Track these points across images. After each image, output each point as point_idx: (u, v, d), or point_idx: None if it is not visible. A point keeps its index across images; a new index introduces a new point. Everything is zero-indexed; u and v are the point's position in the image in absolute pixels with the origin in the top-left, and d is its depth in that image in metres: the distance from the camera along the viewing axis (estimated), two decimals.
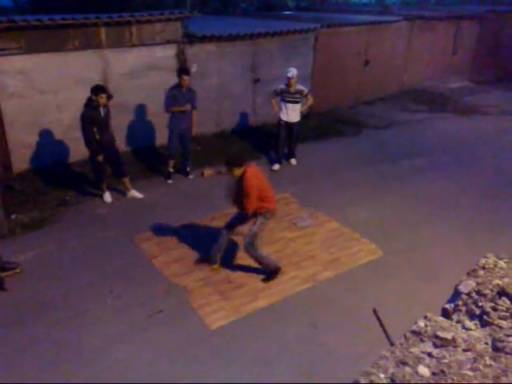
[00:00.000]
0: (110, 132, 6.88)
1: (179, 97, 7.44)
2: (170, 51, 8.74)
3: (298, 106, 8.24)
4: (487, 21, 15.26)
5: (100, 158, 6.74)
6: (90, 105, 6.53)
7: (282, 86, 8.17)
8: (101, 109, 6.58)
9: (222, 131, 9.93)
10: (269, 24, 11.10)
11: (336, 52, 11.56)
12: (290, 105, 8.18)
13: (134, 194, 7.33)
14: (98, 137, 6.62)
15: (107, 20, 7.74)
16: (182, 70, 7.55)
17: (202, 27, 9.50)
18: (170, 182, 7.96)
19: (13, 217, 6.46)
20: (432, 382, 1.08)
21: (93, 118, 6.52)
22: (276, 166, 8.50)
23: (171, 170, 8.02)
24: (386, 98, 13.21)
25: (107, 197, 7.18)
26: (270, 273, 5.46)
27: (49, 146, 7.88)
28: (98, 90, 6.49)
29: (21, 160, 7.68)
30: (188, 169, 8.11)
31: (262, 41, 9.98)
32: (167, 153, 8.05)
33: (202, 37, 8.99)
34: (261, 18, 13.91)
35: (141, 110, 8.71)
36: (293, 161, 8.74)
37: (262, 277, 5.48)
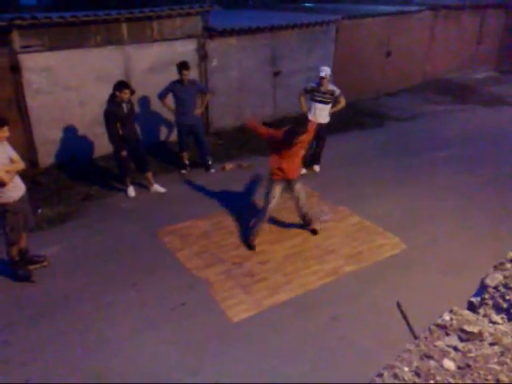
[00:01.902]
0: (133, 127, 6.96)
1: (181, 92, 7.47)
2: (190, 46, 8.77)
3: (327, 107, 7.75)
4: None
5: (124, 153, 6.82)
6: (113, 101, 6.61)
7: (313, 85, 7.73)
8: (124, 105, 6.66)
9: (243, 125, 9.92)
10: (289, 16, 11.02)
11: (357, 43, 11.42)
12: (318, 105, 7.70)
13: (157, 188, 7.40)
14: (121, 132, 6.70)
15: (128, 16, 7.81)
16: (182, 65, 7.40)
17: (222, 21, 9.49)
18: (183, 172, 8.04)
19: (39, 211, 6.60)
20: (458, 375, 1.06)
21: (116, 114, 6.60)
22: (302, 171, 7.80)
23: (186, 162, 8.11)
24: (408, 89, 13.01)
25: (131, 191, 7.27)
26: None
27: (73, 142, 8.01)
28: (121, 86, 6.56)
29: (46, 155, 7.84)
30: (209, 163, 8.15)
31: (283, 33, 9.92)
32: (178, 147, 8.16)
33: (222, 31, 8.99)
34: (281, 10, 13.83)
35: (161, 105, 8.77)
36: (316, 167, 8.17)
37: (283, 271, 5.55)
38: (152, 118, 8.79)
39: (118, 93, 6.54)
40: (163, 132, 9.09)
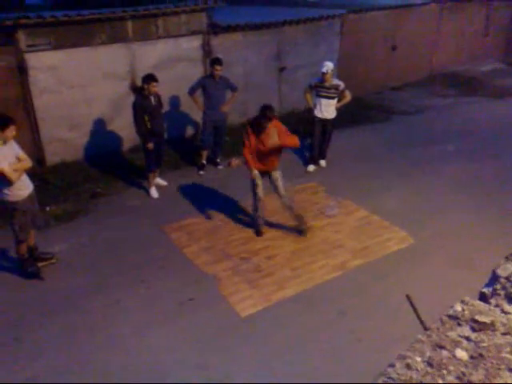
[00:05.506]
0: (160, 121, 6.96)
1: (212, 87, 7.43)
2: (195, 42, 8.75)
3: (332, 102, 7.70)
4: None
5: (150, 145, 6.78)
6: (141, 93, 6.67)
7: (317, 81, 7.69)
8: (152, 97, 6.70)
9: (249, 121, 9.90)
10: (294, 11, 10.98)
11: (363, 38, 11.35)
12: (324, 100, 7.66)
13: (159, 181, 7.42)
14: (149, 126, 6.72)
15: (133, 13, 7.80)
16: (216, 60, 7.45)
17: (227, 17, 9.47)
18: (201, 173, 7.93)
19: (47, 209, 6.63)
20: (470, 365, 1.06)
21: (144, 107, 6.63)
22: (311, 168, 7.97)
23: (204, 161, 8.00)
24: (414, 83, 12.92)
25: (154, 192, 7.15)
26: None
27: (79, 140, 8.03)
28: (149, 78, 6.60)
29: (53, 154, 7.86)
30: (218, 159, 8.15)
31: (287, 29, 9.88)
32: (200, 144, 8.07)
33: (227, 27, 8.96)
34: (286, 5, 13.76)
35: (168, 101, 8.77)
36: (322, 162, 8.14)
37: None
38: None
39: (145, 85, 6.59)
40: (172, 128, 9.07)
